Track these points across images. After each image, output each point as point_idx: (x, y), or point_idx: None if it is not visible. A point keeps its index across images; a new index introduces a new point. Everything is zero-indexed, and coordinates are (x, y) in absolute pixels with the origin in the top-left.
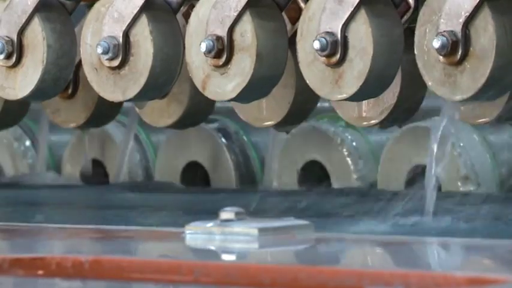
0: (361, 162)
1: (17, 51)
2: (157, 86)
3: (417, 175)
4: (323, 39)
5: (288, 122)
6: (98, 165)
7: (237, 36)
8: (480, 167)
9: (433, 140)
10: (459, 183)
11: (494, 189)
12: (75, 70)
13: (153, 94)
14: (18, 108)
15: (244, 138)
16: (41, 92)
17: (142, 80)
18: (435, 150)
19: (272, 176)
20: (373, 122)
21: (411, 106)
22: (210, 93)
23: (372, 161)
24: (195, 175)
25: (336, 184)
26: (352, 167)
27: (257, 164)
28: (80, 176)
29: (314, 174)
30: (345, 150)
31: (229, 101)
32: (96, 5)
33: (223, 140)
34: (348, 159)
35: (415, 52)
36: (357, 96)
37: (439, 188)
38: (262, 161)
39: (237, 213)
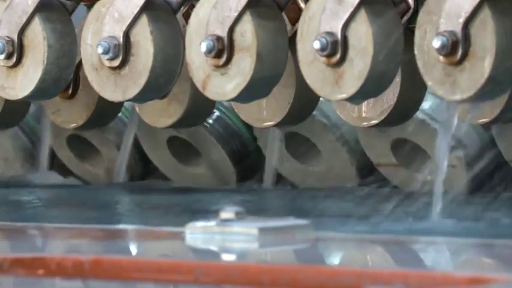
0: None
1: (17, 51)
2: (157, 86)
3: None
4: (323, 39)
5: (288, 122)
6: None
7: (237, 36)
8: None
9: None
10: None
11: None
12: (75, 70)
13: (153, 94)
14: (18, 108)
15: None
16: (41, 92)
17: (142, 80)
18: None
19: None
20: (373, 122)
21: (410, 106)
22: (210, 93)
23: None
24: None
25: None
26: None
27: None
28: None
29: None
30: None
31: (229, 101)
32: (97, 5)
33: None
34: None
35: (415, 52)
36: (357, 96)
37: None
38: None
39: (237, 213)
